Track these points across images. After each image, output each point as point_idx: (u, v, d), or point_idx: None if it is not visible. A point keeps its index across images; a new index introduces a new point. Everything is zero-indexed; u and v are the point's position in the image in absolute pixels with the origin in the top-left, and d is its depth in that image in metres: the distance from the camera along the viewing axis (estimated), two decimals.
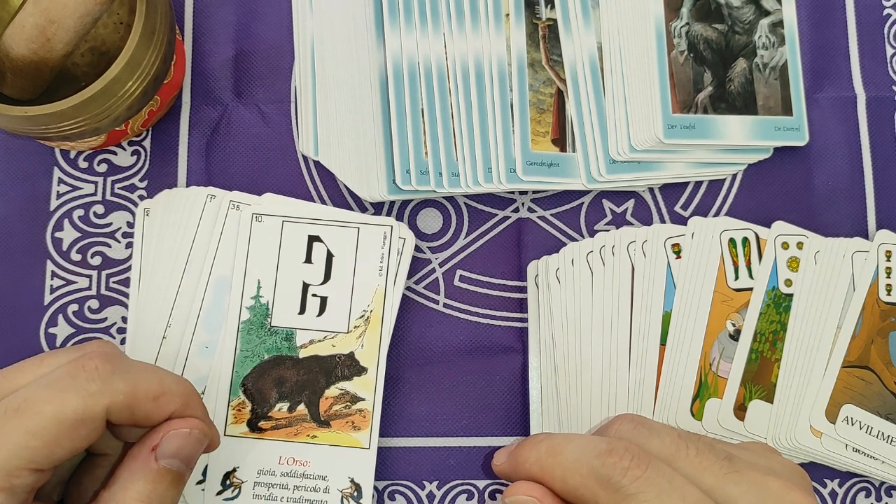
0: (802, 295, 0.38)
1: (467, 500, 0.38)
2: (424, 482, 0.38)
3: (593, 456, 0.28)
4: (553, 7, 0.40)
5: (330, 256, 0.38)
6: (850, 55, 0.43)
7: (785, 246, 0.39)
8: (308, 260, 0.38)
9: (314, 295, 0.37)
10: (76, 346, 0.32)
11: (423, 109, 0.38)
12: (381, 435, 0.38)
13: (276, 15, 0.41)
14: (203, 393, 0.37)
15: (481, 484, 0.38)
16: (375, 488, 0.38)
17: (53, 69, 0.36)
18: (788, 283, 0.38)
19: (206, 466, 0.36)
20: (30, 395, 0.26)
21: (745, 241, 0.39)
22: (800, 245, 0.39)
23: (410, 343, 0.39)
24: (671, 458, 0.29)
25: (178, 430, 0.29)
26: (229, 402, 0.37)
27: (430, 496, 0.38)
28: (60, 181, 0.40)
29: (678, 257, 0.38)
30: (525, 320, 0.40)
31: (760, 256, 0.39)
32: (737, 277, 0.38)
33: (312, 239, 0.38)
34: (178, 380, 0.30)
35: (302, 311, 0.37)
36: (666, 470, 0.28)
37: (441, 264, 0.40)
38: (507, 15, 0.39)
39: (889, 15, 0.43)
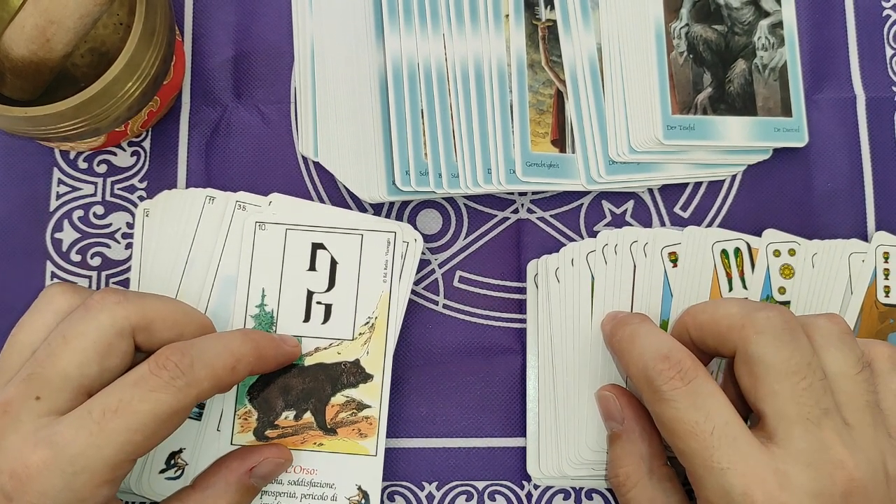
0: (800, 299, 0.38)
1: (466, 500, 0.38)
2: (424, 483, 0.38)
3: (651, 356, 0.32)
4: (553, 8, 0.40)
5: (334, 264, 0.38)
6: (850, 56, 0.43)
7: (777, 253, 0.39)
8: (312, 267, 0.38)
9: (319, 302, 0.37)
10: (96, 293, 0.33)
11: (422, 110, 0.38)
12: None
13: (276, 15, 0.41)
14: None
15: (481, 485, 0.38)
16: None
17: (53, 70, 0.36)
18: (782, 290, 0.38)
19: None
20: (123, 395, 0.29)
21: (738, 251, 0.39)
22: (791, 252, 0.39)
23: (410, 344, 0.39)
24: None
25: (274, 458, 0.35)
26: (235, 412, 0.36)
27: (430, 497, 0.38)
28: (60, 182, 0.40)
29: (675, 265, 0.38)
30: (524, 321, 0.40)
31: (753, 266, 0.38)
32: (730, 289, 0.38)
33: (316, 246, 0.38)
34: (239, 341, 0.33)
35: (307, 318, 0.37)
36: (707, 389, 0.31)
37: (441, 265, 0.40)
38: (507, 16, 0.39)
39: (889, 16, 0.43)
